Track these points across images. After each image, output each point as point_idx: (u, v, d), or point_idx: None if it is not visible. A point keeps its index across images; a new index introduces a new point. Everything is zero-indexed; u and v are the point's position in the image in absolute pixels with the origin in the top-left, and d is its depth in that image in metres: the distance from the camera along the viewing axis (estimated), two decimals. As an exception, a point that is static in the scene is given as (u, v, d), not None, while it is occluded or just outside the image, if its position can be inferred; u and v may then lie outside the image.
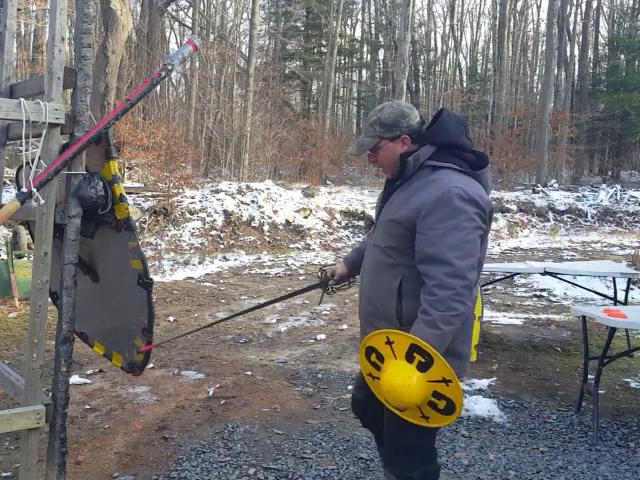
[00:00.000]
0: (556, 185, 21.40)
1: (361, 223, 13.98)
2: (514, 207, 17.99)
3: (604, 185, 21.52)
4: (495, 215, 17.60)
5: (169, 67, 2.21)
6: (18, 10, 13.20)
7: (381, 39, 35.24)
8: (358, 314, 2.34)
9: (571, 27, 31.99)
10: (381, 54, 35.81)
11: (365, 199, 16.10)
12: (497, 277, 7.84)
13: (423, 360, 1.86)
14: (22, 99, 2.09)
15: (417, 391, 1.86)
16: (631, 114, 26.58)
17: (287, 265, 10.46)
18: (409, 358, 1.88)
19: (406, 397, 1.87)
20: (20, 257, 8.40)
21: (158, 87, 22.19)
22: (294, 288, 8.03)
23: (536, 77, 35.83)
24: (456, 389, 1.86)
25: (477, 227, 1.96)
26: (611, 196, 19.06)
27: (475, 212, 1.96)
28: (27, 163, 2.11)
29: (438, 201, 1.94)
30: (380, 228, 2.13)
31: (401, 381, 1.86)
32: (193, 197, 13.42)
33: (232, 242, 12.38)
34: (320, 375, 4.64)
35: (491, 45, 34.35)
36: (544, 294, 8.00)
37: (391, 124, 2.08)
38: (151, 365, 4.71)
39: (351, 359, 5.05)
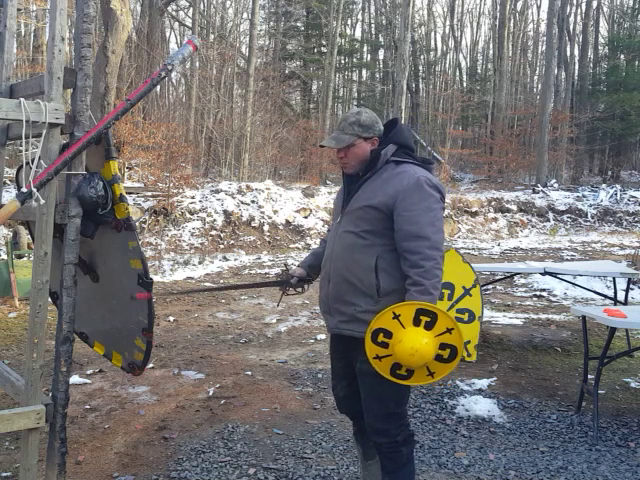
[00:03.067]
0: (556, 185, 21.40)
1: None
2: (514, 207, 17.99)
3: (604, 185, 21.52)
4: (495, 215, 17.62)
5: (169, 67, 2.22)
6: (18, 10, 13.20)
7: (381, 39, 35.22)
8: (322, 301, 2.50)
9: (571, 27, 31.99)
10: (381, 54, 35.81)
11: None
12: (497, 277, 7.84)
13: (429, 319, 2.16)
14: (22, 99, 2.09)
15: (432, 347, 2.15)
16: (631, 114, 26.57)
17: (287, 265, 10.45)
18: (416, 322, 2.16)
19: (426, 354, 2.13)
20: (20, 257, 8.40)
21: (158, 87, 22.18)
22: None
23: (536, 77, 35.83)
24: (458, 334, 2.17)
25: (442, 207, 2.36)
26: (611, 196, 19.06)
27: (439, 196, 2.34)
28: (27, 163, 2.11)
29: (411, 187, 2.30)
30: (351, 216, 2.40)
31: (419, 342, 2.12)
32: (193, 197, 13.42)
33: (232, 242, 12.38)
34: (320, 375, 4.64)
35: (491, 45, 34.36)
36: (544, 294, 8.00)
37: (368, 126, 2.41)
38: (151, 365, 4.71)
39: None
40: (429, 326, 2.16)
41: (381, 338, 2.20)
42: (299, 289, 2.74)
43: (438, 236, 2.28)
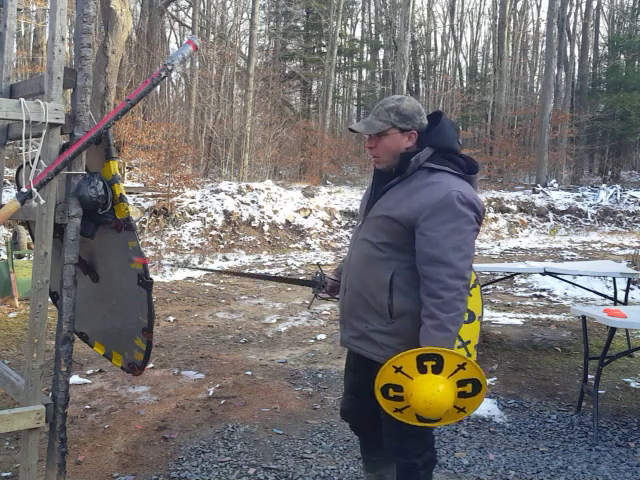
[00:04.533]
0: (556, 185, 21.40)
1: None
2: (514, 207, 17.99)
3: (604, 185, 21.52)
4: (495, 215, 17.61)
5: (169, 67, 2.21)
6: (18, 10, 13.20)
7: (381, 39, 35.22)
8: (340, 309, 2.31)
9: (571, 27, 31.99)
10: (381, 54, 35.80)
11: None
12: (497, 277, 7.84)
13: (434, 363, 1.92)
14: (22, 99, 2.09)
15: (447, 392, 1.91)
16: (631, 114, 26.57)
17: (287, 265, 10.47)
18: (422, 370, 1.93)
19: (443, 402, 1.91)
20: (20, 257, 8.40)
21: (158, 87, 22.18)
22: (295, 288, 8.03)
23: (536, 77, 35.84)
24: (473, 367, 1.93)
25: (475, 229, 2.05)
26: (611, 196, 19.06)
27: (473, 215, 2.03)
28: (27, 163, 2.11)
29: (440, 204, 1.99)
30: (371, 223, 2.15)
31: (430, 393, 1.90)
32: (193, 197, 13.43)
33: (232, 242, 12.39)
34: (320, 375, 4.64)
35: (491, 45, 34.36)
36: (544, 294, 8.00)
37: (407, 116, 2.10)
38: (151, 365, 4.71)
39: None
40: (437, 370, 1.92)
41: (392, 393, 2.00)
42: (329, 296, 2.53)
43: (464, 263, 1.98)
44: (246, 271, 9.81)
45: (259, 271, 9.81)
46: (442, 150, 2.11)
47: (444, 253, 1.96)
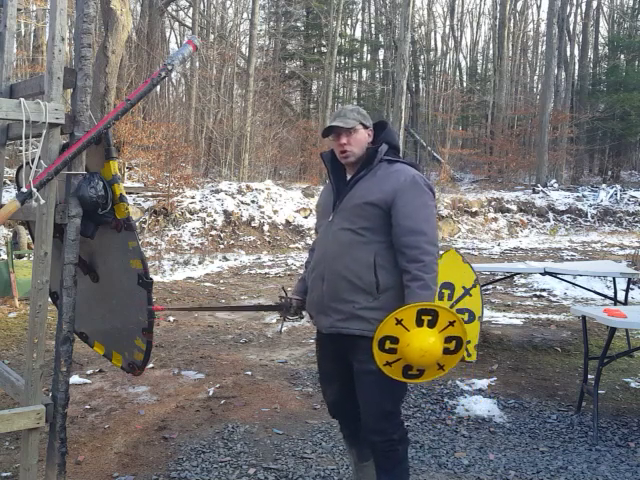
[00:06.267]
0: (556, 185, 21.40)
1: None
2: (514, 207, 17.99)
3: (604, 185, 21.52)
4: (495, 215, 17.62)
5: (169, 67, 2.21)
6: (18, 10, 13.19)
7: (381, 39, 35.21)
8: (314, 302, 2.46)
9: (571, 27, 31.98)
10: (381, 54, 35.80)
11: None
12: (497, 277, 7.84)
13: (430, 317, 2.18)
14: (22, 99, 2.09)
15: (439, 343, 2.18)
16: (631, 114, 26.55)
17: (287, 265, 10.47)
18: (419, 323, 2.18)
19: (435, 352, 2.18)
20: (20, 257, 8.40)
21: (158, 87, 22.18)
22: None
23: (536, 77, 35.82)
24: (460, 325, 2.21)
25: (435, 206, 2.42)
26: (611, 196, 19.06)
27: (432, 195, 2.40)
28: (27, 163, 2.11)
29: (408, 184, 2.34)
30: (346, 213, 2.39)
31: (426, 342, 2.16)
32: (193, 197, 13.43)
33: (232, 242, 12.39)
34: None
35: (491, 45, 34.36)
36: (544, 294, 8.00)
37: (366, 116, 2.49)
38: (151, 365, 4.71)
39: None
40: (432, 324, 2.19)
41: (388, 345, 2.21)
42: (297, 316, 2.69)
43: (434, 232, 2.34)
44: (246, 271, 9.81)
45: (259, 271, 9.81)
46: (393, 147, 2.49)
47: (418, 224, 2.29)
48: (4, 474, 2.98)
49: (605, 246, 13.63)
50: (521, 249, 13.38)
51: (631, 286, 6.46)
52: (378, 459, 2.43)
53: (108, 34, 13.06)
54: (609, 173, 28.07)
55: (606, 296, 6.11)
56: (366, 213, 2.35)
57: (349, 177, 2.47)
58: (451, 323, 2.19)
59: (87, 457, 3.19)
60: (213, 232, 12.55)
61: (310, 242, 12.71)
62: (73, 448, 3.23)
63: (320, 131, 24.78)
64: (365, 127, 2.46)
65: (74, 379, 4.24)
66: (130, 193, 12.78)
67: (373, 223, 2.35)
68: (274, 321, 6.45)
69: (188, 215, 12.78)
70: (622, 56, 30.15)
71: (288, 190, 15.20)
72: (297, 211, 13.91)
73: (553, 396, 4.26)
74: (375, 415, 2.39)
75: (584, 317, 3.93)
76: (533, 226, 17.48)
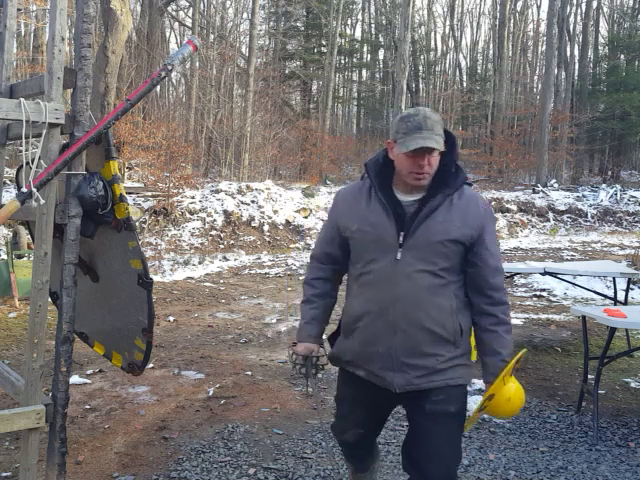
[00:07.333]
0: (556, 185, 21.40)
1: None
2: (514, 207, 17.99)
3: (604, 185, 21.52)
4: (495, 215, 17.62)
5: (169, 67, 2.21)
6: (18, 10, 13.20)
7: (381, 39, 35.23)
8: (378, 356, 2.07)
9: (571, 27, 31.99)
10: (381, 54, 35.81)
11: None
12: (497, 277, 7.82)
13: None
14: (22, 99, 2.09)
15: (518, 386, 2.13)
16: (631, 114, 26.56)
17: (287, 265, 10.47)
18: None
19: (523, 396, 2.14)
20: (20, 257, 8.40)
21: (158, 87, 22.18)
22: (295, 288, 8.04)
23: (536, 77, 35.80)
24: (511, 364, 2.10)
25: None
26: (611, 196, 19.06)
27: None
28: (27, 163, 2.11)
29: (488, 215, 2.09)
30: (422, 251, 2.00)
31: (522, 392, 2.13)
32: (193, 197, 13.42)
33: (232, 242, 12.38)
34: (320, 375, 4.63)
35: (491, 45, 34.36)
36: (544, 294, 8.00)
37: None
38: (151, 365, 4.71)
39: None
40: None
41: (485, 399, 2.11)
42: (323, 371, 2.33)
43: None
44: (246, 271, 9.80)
45: (259, 271, 9.81)
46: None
47: (499, 262, 2.09)
48: (4, 474, 2.98)
49: (605, 246, 13.62)
50: (521, 249, 13.38)
51: (631, 286, 6.46)
52: None
53: (108, 34, 13.06)
54: (609, 173, 28.08)
55: (606, 296, 6.11)
56: (448, 251, 2.01)
57: (404, 198, 2.05)
58: (515, 368, 2.11)
59: (87, 457, 3.19)
60: (213, 232, 12.55)
61: (310, 242, 12.69)
62: (73, 448, 3.23)
63: (320, 131, 24.81)
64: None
65: (74, 379, 4.24)
66: (130, 193, 12.78)
67: (452, 262, 2.03)
68: (274, 321, 6.45)
69: (188, 215, 12.78)
70: (622, 56, 30.16)
71: (288, 190, 15.20)
72: (297, 211, 13.91)
73: (553, 396, 4.26)
74: (450, 462, 2.08)
75: (584, 317, 3.93)
76: (533, 226, 17.48)
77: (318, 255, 2.29)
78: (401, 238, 2.00)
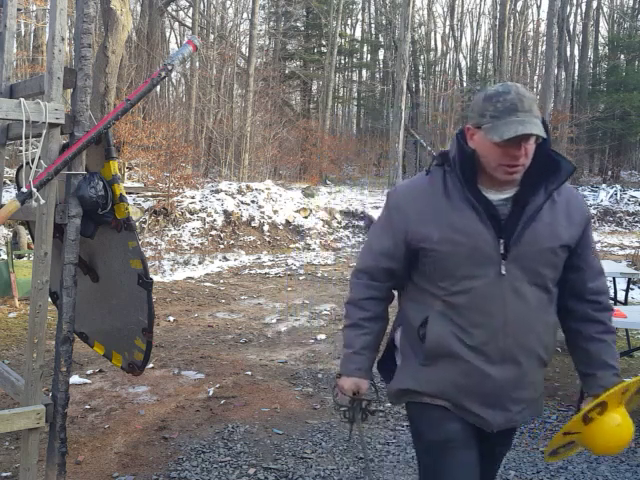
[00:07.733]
0: (556, 185, 21.37)
1: (361, 223, 13.97)
2: (514, 207, 17.98)
3: (604, 185, 21.52)
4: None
5: (169, 67, 2.21)
6: (18, 10, 13.19)
7: (381, 39, 35.23)
8: (485, 391, 1.69)
9: (571, 27, 31.98)
10: (381, 54, 35.82)
11: (365, 199, 16.11)
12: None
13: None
14: (22, 99, 2.09)
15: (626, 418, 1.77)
16: (631, 114, 26.55)
17: (287, 265, 10.46)
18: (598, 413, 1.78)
19: (632, 431, 1.77)
20: (20, 257, 8.40)
21: (158, 87, 22.19)
22: (295, 288, 8.04)
23: (536, 77, 35.80)
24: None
25: None
26: (611, 196, 19.05)
27: None
28: (27, 163, 2.11)
29: (589, 210, 1.80)
30: (531, 261, 1.65)
31: (629, 423, 1.75)
32: (193, 197, 13.42)
33: (232, 242, 12.38)
34: (320, 375, 4.64)
35: (491, 45, 34.38)
36: (544, 294, 7.99)
37: None
38: (151, 365, 4.71)
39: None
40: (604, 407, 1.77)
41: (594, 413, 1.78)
42: (373, 408, 1.88)
43: None
44: (246, 271, 9.80)
45: (259, 271, 9.80)
46: None
47: (600, 261, 1.82)
48: (4, 474, 2.98)
49: (605, 246, 13.62)
50: (521, 249, 13.37)
51: (631, 286, 6.46)
52: None
53: (108, 34, 13.06)
54: (609, 173, 28.07)
55: (606, 296, 6.10)
56: (557, 260, 1.69)
57: (493, 196, 1.66)
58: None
59: (87, 457, 3.19)
60: (213, 232, 12.55)
61: (310, 242, 12.68)
62: (73, 448, 3.23)
63: (320, 131, 24.81)
64: None
65: (74, 379, 4.24)
66: (130, 193, 12.78)
67: (558, 271, 1.72)
68: (274, 321, 6.45)
69: (188, 215, 12.77)
70: (622, 56, 30.15)
71: (288, 190, 15.20)
72: (297, 211, 13.91)
73: (553, 396, 4.26)
74: None
75: (584, 317, 3.92)
76: (533, 226, 17.48)
77: (371, 270, 1.80)
78: (502, 247, 1.63)
